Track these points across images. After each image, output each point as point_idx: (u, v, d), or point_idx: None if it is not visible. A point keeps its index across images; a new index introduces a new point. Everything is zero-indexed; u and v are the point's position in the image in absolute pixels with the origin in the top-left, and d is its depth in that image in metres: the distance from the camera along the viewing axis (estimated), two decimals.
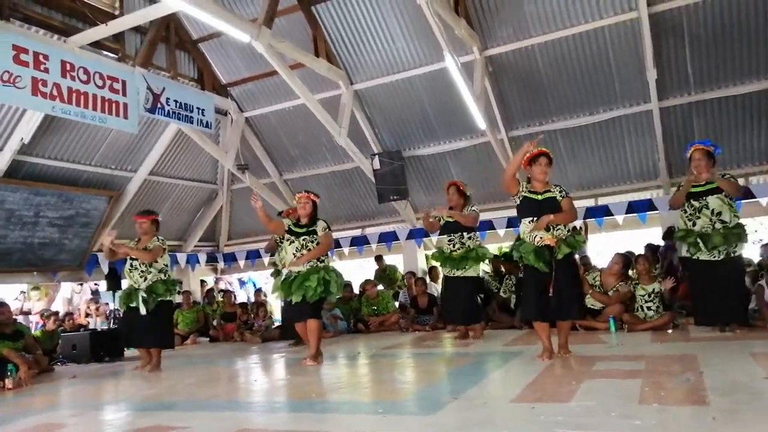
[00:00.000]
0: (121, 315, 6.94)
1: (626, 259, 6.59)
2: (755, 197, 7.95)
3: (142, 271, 5.88)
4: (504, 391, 3.69)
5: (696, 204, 5.23)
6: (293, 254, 5.46)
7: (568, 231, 4.56)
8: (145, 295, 5.80)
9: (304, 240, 5.45)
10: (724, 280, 5.14)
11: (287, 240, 5.56)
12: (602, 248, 11.68)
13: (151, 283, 5.85)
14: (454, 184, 6.46)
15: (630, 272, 6.61)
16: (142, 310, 5.81)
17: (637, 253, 7.43)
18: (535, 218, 4.50)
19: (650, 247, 8.36)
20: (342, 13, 8.66)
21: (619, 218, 8.94)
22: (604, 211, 8.98)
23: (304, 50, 8.46)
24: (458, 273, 6.28)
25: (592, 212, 8.96)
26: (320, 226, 5.54)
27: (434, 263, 8.10)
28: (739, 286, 5.29)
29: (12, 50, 6.35)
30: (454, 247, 6.27)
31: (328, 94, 9.50)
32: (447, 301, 6.63)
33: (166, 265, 6.03)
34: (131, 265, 5.96)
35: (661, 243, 8.53)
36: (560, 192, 4.58)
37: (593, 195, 9.51)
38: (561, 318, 4.56)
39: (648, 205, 8.76)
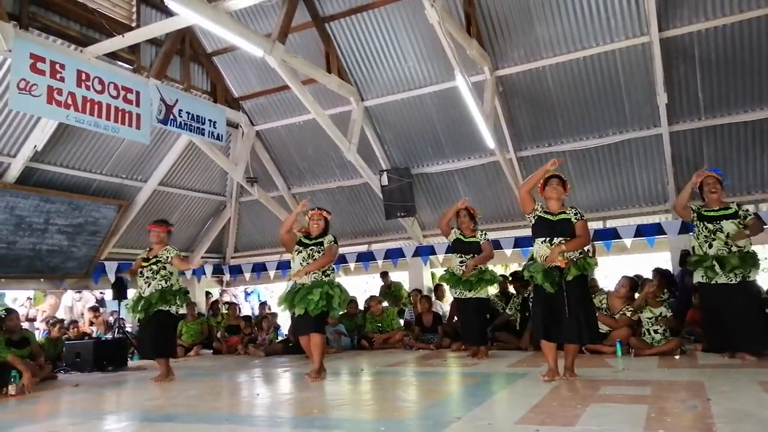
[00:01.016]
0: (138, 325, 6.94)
1: (633, 283, 6.55)
2: (765, 224, 7.89)
3: (147, 278, 5.92)
4: (509, 412, 3.65)
5: (711, 227, 5.21)
6: (300, 263, 5.51)
7: (580, 253, 4.54)
8: (143, 302, 5.85)
9: (311, 250, 5.53)
10: (742, 304, 5.07)
11: (296, 251, 5.61)
12: (610, 271, 11.62)
13: (153, 291, 5.86)
14: (466, 207, 6.53)
15: (637, 295, 6.55)
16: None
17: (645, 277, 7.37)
18: (548, 239, 4.49)
19: (658, 272, 8.29)
20: (355, 31, 8.76)
21: (627, 241, 8.92)
22: (612, 234, 8.96)
23: (316, 66, 8.55)
24: (470, 294, 6.34)
25: (601, 235, 8.92)
26: (327, 238, 5.60)
27: (442, 282, 8.11)
28: (760, 312, 5.20)
29: (30, 59, 6.44)
30: (466, 269, 6.31)
31: (338, 109, 9.57)
32: (465, 323, 6.68)
33: (172, 273, 6.00)
34: (140, 272, 5.99)
35: (670, 268, 8.47)
36: (575, 214, 4.57)
37: (602, 217, 9.48)
38: (570, 341, 4.52)
39: (656, 229, 8.71)
